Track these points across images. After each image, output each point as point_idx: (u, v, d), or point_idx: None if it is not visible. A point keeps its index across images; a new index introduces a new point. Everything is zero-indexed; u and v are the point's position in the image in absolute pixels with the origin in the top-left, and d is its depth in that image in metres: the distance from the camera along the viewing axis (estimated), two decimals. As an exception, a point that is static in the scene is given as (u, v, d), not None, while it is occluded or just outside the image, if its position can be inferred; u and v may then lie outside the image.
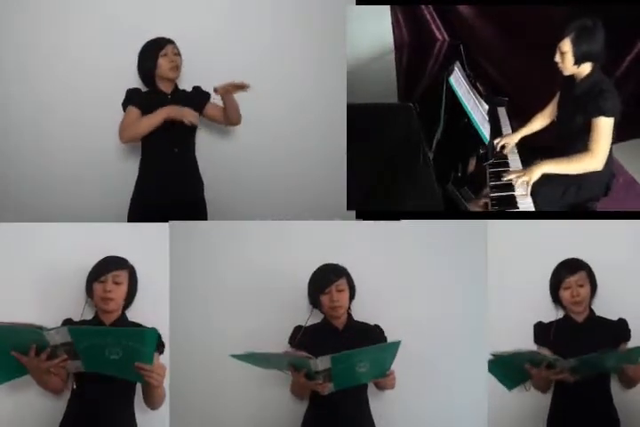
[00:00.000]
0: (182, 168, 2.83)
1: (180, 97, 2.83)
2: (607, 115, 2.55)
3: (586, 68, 2.62)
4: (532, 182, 2.62)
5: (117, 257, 2.21)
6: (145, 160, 2.83)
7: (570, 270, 2.29)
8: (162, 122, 2.71)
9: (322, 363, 2.01)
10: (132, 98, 2.78)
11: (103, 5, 2.95)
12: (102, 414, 2.10)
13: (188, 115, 2.74)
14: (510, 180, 2.69)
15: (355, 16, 3.03)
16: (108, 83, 2.86)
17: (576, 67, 2.61)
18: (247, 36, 3.00)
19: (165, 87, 2.82)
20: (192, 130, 2.85)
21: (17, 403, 2.25)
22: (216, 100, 2.87)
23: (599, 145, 2.57)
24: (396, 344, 2.09)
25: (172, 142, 2.79)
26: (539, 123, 3.05)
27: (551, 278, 2.32)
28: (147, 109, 2.75)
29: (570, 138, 2.73)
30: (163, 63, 2.78)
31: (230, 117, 2.88)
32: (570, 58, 2.59)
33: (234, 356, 2.08)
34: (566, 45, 2.57)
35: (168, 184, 2.78)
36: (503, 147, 3.03)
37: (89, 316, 2.21)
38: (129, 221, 2.79)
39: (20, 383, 2.13)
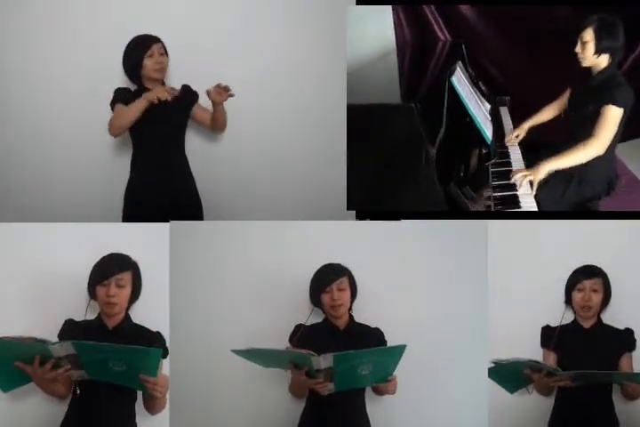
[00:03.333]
0: (174, 166, 2.82)
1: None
2: (618, 104, 2.56)
3: (604, 60, 2.64)
4: (537, 181, 2.62)
5: (120, 255, 2.18)
6: (136, 158, 2.82)
7: (587, 274, 2.29)
8: (145, 107, 2.65)
9: (324, 361, 2.00)
10: (120, 97, 2.75)
11: (102, 6, 2.95)
12: (102, 416, 2.10)
13: (160, 92, 2.66)
14: (515, 180, 2.68)
15: (356, 16, 3.04)
16: (107, 83, 2.86)
17: (595, 57, 2.63)
18: (247, 37, 3.00)
19: (153, 86, 2.78)
20: (182, 127, 2.85)
21: (18, 406, 2.26)
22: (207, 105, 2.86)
23: (603, 131, 2.58)
24: (401, 348, 2.06)
25: (162, 140, 2.79)
26: (546, 115, 3.07)
27: (568, 279, 2.33)
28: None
29: (578, 128, 2.74)
30: (148, 64, 2.73)
31: (216, 125, 2.87)
32: (591, 47, 2.61)
33: (235, 351, 2.07)
34: (589, 35, 2.60)
35: (160, 181, 2.77)
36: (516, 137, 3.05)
37: (91, 316, 2.19)
38: (123, 219, 2.79)
39: (21, 388, 2.11)
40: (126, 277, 2.15)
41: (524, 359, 2.14)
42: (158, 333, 2.18)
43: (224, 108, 2.81)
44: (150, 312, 2.24)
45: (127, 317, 2.20)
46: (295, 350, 2.11)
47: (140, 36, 2.75)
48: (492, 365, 2.18)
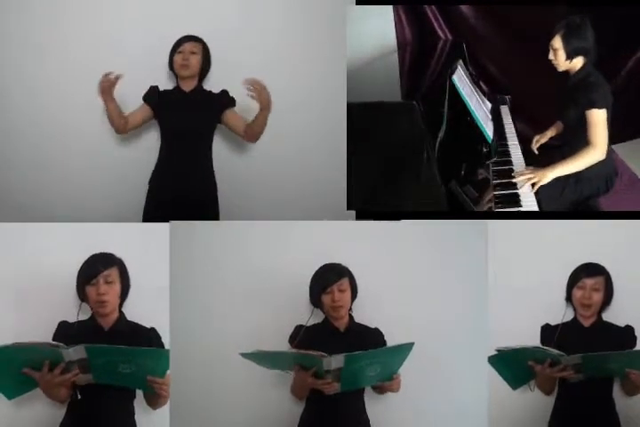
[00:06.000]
0: (198, 168, 2.84)
1: (200, 96, 2.85)
2: (598, 106, 2.60)
3: (578, 62, 2.69)
4: (540, 184, 2.64)
5: (103, 254, 2.17)
6: (162, 159, 2.85)
7: (589, 273, 2.28)
8: (107, 106, 2.73)
9: (335, 362, 2.01)
10: (147, 94, 2.83)
11: (103, 6, 2.96)
12: (102, 415, 2.10)
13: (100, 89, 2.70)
14: (518, 182, 2.70)
15: (356, 16, 3.04)
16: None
17: (568, 62, 2.69)
18: (247, 37, 3.00)
19: (185, 85, 2.84)
20: (210, 131, 2.86)
21: (19, 410, 2.25)
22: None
23: (598, 136, 2.62)
24: (409, 346, 2.09)
25: (189, 142, 2.81)
26: (550, 133, 3.12)
27: (570, 277, 2.31)
28: (161, 107, 2.80)
29: (569, 131, 2.80)
30: (176, 60, 2.80)
31: (251, 132, 2.82)
32: (562, 54, 2.67)
33: (242, 354, 2.07)
34: (557, 42, 2.67)
35: (184, 183, 2.80)
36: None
37: (84, 317, 2.18)
38: (144, 219, 2.82)
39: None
40: (113, 273, 2.15)
41: (528, 346, 2.14)
42: (153, 329, 2.19)
43: (267, 118, 2.77)
44: (150, 312, 2.24)
45: (121, 315, 2.20)
46: (305, 352, 2.10)
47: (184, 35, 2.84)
48: (496, 352, 2.19)
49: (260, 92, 2.65)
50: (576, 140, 2.71)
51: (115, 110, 2.75)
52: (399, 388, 2.23)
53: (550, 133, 3.10)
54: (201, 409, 2.38)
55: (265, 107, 2.70)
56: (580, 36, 2.64)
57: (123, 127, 2.81)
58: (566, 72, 2.74)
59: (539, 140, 3.10)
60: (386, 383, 2.20)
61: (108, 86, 2.66)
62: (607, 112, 2.62)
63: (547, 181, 2.65)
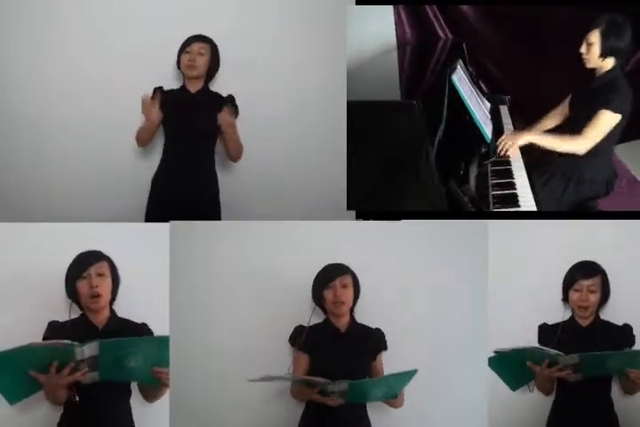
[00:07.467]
0: (201, 169, 2.84)
1: (205, 98, 2.84)
2: (613, 109, 2.55)
3: (609, 62, 2.63)
4: (516, 146, 2.63)
5: (92, 251, 2.17)
6: (166, 159, 2.84)
7: (585, 274, 2.27)
8: (150, 127, 2.76)
9: (338, 386, 2.07)
10: (154, 95, 2.80)
11: (106, 4, 2.96)
12: (101, 414, 2.10)
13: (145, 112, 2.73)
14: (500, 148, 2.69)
15: (356, 16, 3.04)
16: (106, 85, 2.89)
17: (601, 60, 2.61)
18: (246, 37, 2.99)
19: (191, 86, 2.83)
20: (214, 132, 2.84)
21: (18, 411, 2.22)
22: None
23: (592, 132, 2.59)
24: (412, 373, 2.13)
25: (192, 144, 2.81)
26: (549, 122, 3.06)
27: (565, 277, 2.31)
28: (167, 106, 2.78)
29: (577, 128, 2.73)
30: (182, 60, 2.79)
31: (229, 150, 2.85)
32: (596, 50, 2.59)
33: (251, 380, 2.11)
34: (595, 37, 2.58)
35: (187, 184, 2.80)
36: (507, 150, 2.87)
37: (74, 316, 2.17)
38: (146, 219, 2.82)
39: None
40: (104, 265, 2.14)
41: (527, 346, 2.16)
42: (144, 324, 2.19)
43: (236, 135, 2.83)
44: (150, 312, 2.24)
45: (113, 313, 2.19)
46: (309, 378, 2.14)
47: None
48: (494, 354, 2.20)
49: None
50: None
51: (154, 130, 2.79)
52: (402, 404, 2.27)
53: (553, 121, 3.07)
54: (201, 409, 2.38)
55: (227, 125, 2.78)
56: (619, 35, 2.56)
57: (148, 142, 2.84)
58: (592, 71, 2.68)
59: (512, 145, 3.02)
60: (390, 401, 2.25)
61: (148, 106, 2.71)
62: (621, 119, 2.57)
63: (521, 142, 2.62)
